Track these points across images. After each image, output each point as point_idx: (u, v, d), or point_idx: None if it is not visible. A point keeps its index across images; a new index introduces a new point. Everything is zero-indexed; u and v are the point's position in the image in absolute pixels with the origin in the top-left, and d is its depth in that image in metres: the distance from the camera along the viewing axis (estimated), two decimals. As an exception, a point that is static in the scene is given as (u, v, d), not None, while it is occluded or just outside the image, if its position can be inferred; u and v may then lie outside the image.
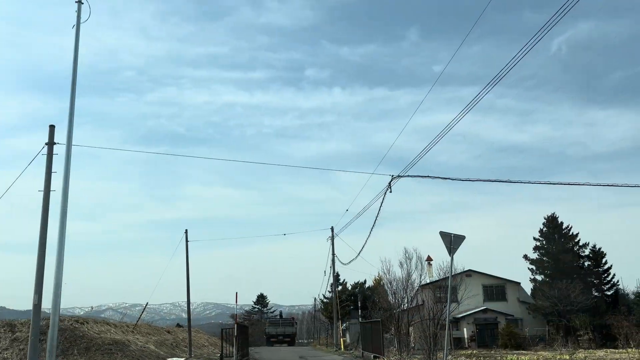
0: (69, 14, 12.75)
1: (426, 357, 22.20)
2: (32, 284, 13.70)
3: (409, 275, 25.85)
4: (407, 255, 25.76)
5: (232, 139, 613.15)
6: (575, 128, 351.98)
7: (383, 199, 20.40)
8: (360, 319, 40.56)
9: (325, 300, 62.23)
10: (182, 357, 27.31)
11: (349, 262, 37.58)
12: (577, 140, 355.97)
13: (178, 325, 51.87)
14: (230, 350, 25.37)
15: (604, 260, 43.58)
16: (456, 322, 41.92)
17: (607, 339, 38.19)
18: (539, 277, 45.00)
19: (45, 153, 14.77)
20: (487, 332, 41.81)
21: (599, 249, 43.80)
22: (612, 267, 43.51)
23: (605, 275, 43.56)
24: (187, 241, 33.08)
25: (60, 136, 14.71)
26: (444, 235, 16.18)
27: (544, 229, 45.38)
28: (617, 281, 43.41)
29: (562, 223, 45.06)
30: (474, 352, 32.38)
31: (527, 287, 46.79)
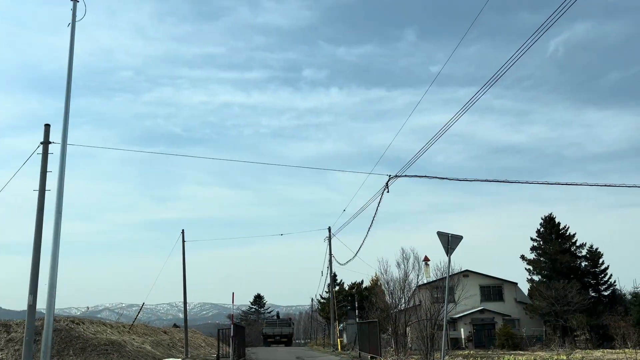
0: (66, 14, 12.68)
1: (423, 357, 22.16)
2: (28, 284, 13.60)
3: (406, 275, 25.83)
4: (404, 255, 25.74)
5: (229, 139, 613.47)
6: (571, 129, 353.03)
7: (380, 199, 20.32)
8: (357, 319, 40.54)
9: (322, 300, 62.17)
10: (178, 358, 27.21)
11: (346, 262, 37.49)
12: (574, 141, 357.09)
13: (175, 326, 51.85)
14: (227, 350, 25.29)
15: (600, 261, 43.59)
16: (453, 322, 41.90)
17: (604, 340, 38.22)
18: (536, 278, 44.99)
19: (41, 152, 14.68)
20: (484, 332, 41.81)
21: (596, 249, 43.84)
22: (609, 268, 43.55)
23: (602, 275, 43.58)
24: (183, 241, 33.03)
25: (56, 135, 14.61)
26: (442, 235, 16.13)
27: (541, 230, 45.38)
28: (614, 281, 43.45)
29: (559, 223, 45.07)
30: (471, 352, 32.33)
31: (524, 287, 46.86)
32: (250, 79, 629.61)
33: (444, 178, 18.55)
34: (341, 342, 42.61)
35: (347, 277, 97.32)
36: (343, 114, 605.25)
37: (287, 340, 57.50)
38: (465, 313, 41.67)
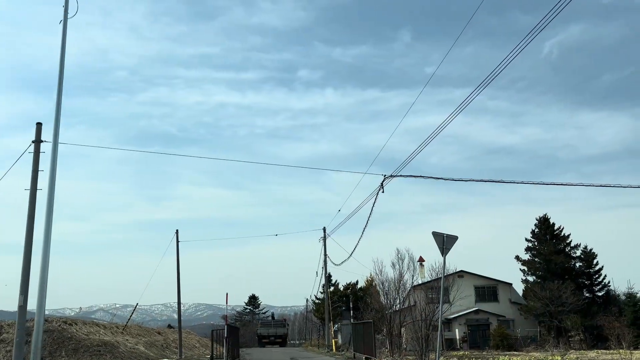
0: (61, 13, 12.51)
1: (418, 358, 22.10)
2: (19, 285, 13.44)
3: (401, 276, 25.78)
4: (399, 255, 25.70)
5: (224, 140, 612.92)
6: (565, 130, 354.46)
7: (375, 199, 20.27)
8: (352, 320, 40.43)
9: (317, 301, 62.03)
10: (172, 359, 27.07)
11: (341, 262, 37.46)
12: (567, 142, 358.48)
13: (169, 326, 51.64)
14: (221, 351, 25.16)
15: (595, 262, 43.68)
16: (448, 323, 41.88)
17: (598, 340, 38.27)
18: (530, 278, 45.02)
19: (32, 151, 14.52)
20: (479, 333, 41.82)
21: (590, 250, 43.92)
22: (604, 268, 43.65)
23: (597, 276, 43.66)
24: (177, 241, 32.87)
25: (48, 135, 14.46)
26: (437, 236, 16.05)
27: (536, 230, 45.42)
28: (608, 282, 43.55)
29: (553, 224, 45.12)
30: (466, 353, 32.33)
31: (519, 288, 46.89)
32: (246, 80, 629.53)
33: (438, 178, 18.53)
34: (336, 342, 42.53)
35: (342, 278, 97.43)
36: (338, 115, 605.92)
37: (281, 341, 57.43)
38: (460, 314, 41.66)
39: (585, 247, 44.05)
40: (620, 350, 28.37)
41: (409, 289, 26.61)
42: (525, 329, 41.59)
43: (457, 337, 41.98)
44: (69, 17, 12.29)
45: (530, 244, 45.48)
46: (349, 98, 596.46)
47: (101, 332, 25.55)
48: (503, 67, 12.85)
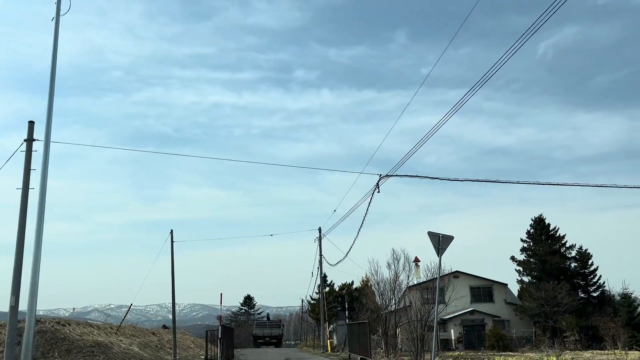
0: (54, 12, 12.41)
1: (413, 358, 22.04)
2: (10, 285, 13.29)
3: (396, 276, 25.71)
4: (394, 256, 25.63)
5: (220, 140, 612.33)
6: (560, 131, 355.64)
7: (371, 199, 20.17)
8: (347, 320, 40.37)
9: (312, 301, 61.96)
10: None
11: (337, 263, 37.32)
12: (563, 143, 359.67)
13: (164, 327, 51.36)
14: (216, 352, 25.05)
15: (590, 262, 43.74)
16: (443, 323, 41.86)
17: (593, 340, 38.33)
18: (526, 279, 45.05)
19: (25, 150, 14.39)
20: (474, 333, 41.79)
21: (585, 250, 43.98)
22: (599, 269, 43.72)
23: (592, 276, 43.72)
24: (172, 242, 32.68)
25: (41, 133, 14.33)
26: (432, 236, 15.99)
27: (531, 231, 45.46)
28: (603, 282, 43.62)
29: (549, 225, 45.16)
30: (461, 353, 32.29)
31: (514, 288, 46.90)
32: (241, 80, 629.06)
33: (434, 178, 18.46)
34: (331, 343, 42.46)
35: (337, 278, 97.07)
36: (334, 115, 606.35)
37: (276, 341, 57.32)
38: (456, 314, 41.63)
39: (581, 248, 44.14)
40: (616, 351, 28.41)
41: (404, 289, 26.55)
42: (521, 329, 41.61)
43: (453, 338, 41.96)
44: (61, 14, 12.17)
45: (525, 245, 45.53)
46: (345, 98, 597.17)
47: (95, 333, 25.35)
48: (497, 67, 12.89)
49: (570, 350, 33.57)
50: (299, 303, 75.80)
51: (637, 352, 28.48)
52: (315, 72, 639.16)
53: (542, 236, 44.70)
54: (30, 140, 14.35)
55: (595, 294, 43.59)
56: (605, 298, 42.83)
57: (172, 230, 32.87)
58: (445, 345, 40.04)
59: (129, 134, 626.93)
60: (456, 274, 38.27)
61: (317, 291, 50.12)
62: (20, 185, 14.22)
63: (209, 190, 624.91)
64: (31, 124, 14.63)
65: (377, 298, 28.09)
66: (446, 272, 26.51)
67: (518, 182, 19.01)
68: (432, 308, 21.98)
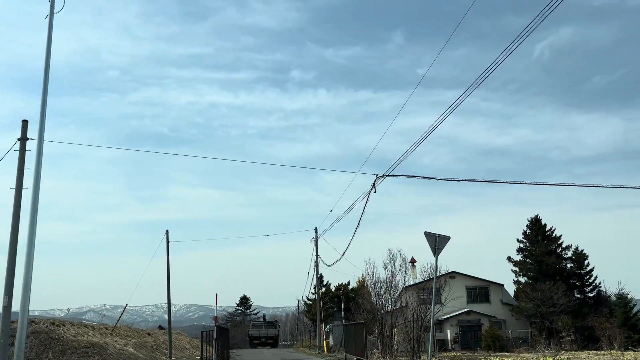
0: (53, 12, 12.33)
1: (409, 359, 22.00)
2: (2, 285, 13.17)
3: (392, 276, 25.72)
4: (391, 256, 25.65)
5: (216, 140, 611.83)
6: (557, 132, 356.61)
7: (367, 199, 20.13)
8: (343, 320, 40.28)
9: (308, 302, 61.85)
10: (161, 360, 26.78)
11: (333, 263, 37.33)
12: (559, 144, 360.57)
13: (160, 327, 51.17)
14: (212, 352, 24.95)
15: (586, 262, 43.77)
16: (439, 324, 41.83)
17: (589, 341, 38.35)
18: (522, 279, 45.04)
19: (18, 149, 14.27)
20: (470, 334, 41.77)
21: (582, 251, 44.02)
22: (594, 269, 43.75)
23: (588, 277, 43.76)
24: (167, 242, 32.60)
25: (35, 133, 14.22)
26: (429, 236, 15.93)
27: (527, 231, 45.46)
28: (599, 283, 43.65)
29: (545, 225, 45.17)
30: (458, 354, 32.27)
31: (511, 289, 46.88)
32: (238, 80, 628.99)
33: (430, 178, 18.41)
34: (327, 343, 42.37)
35: (333, 278, 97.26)
36: (331, 116, 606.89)
37: (272, 342, 57.29)
38: (452, 315, 41.61)
39: (577, 248, 44.18)
40: (612, 351, 28.42)
41: (400, 289, 26.55)
42: (517, 330, 41.60)
43: (449, 338, 41.93)
44: (55, 12, 12.09)
45: (521, 245, 45.53)
46: (342, 99, 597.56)
47: (89, 334, 25.21)
48: (493, 68, 12.87)
49: (566, 350, 33.56)
50: (295, 303, 75.69)
51: (633, 352, 28.50)
52: (312, 73, 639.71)
53: (538, 237, 44.71)
54: (23, 139, 14.23)
55: (591, 295, 43.62)
56: (601, 298, 42.87)
57: (167, 231, 32.84)
58: (441, 345, 40.01)
59: (126, 134, 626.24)
60: (452, 275, 38.24)
61: (314, 291, 50.02)
62: (14, 184, 14.12)
63: (205, 190, 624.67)
64: (25, 122, 14.51)
65: (374, 298, 28.07)
66: (442, 272, 26.56)
67: (514, 182, 18.98)
68: (429, 308, 21.95)
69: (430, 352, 16.72)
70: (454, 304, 35.02)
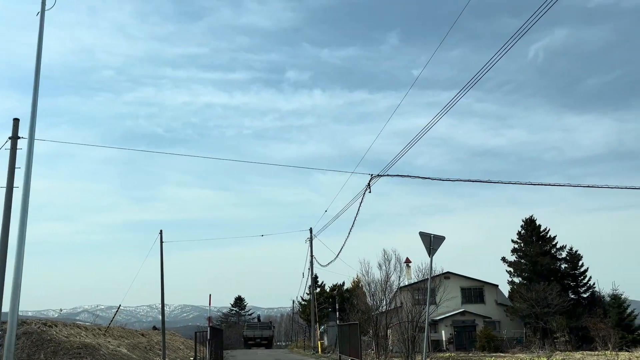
0: (50, 11, 12.18)
1: (404, 360, 21.93)
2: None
3: (387, 277, 25.65)
4: (386, 256, 25.58)
5: (211, 140, 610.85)
6: (551, 133, 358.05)
7: (362, 199, 20.05)
8: (338, 321, 40.20)
9: (303, 302, 61.75)
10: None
11: (328, 263, 37.15)
12: (553, 145, 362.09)
13: (154, 328, 50.96)
14: (206, 353, 24.81)
15: (580, 263, 43.87)
16: (434, 324, 41.79)
17: (583, 341, 38.40)
18: (516, 280, 45.09)
19: (9, 148, 14.11)
20: (465, 334, 41.75)
21: (576, 251, 44.11)
22: (589, 270, 43.86)
23: (582, 277, 43.86)
24: (161, 242, 32.38)
25: (26, 131, 14.06)
26: (424, 236, 15.88)
27: (522, 232, 45.51)
28: (593, 284, 43.77)
29: (539, 226, 45.24)
30: (452, 354, 32.24)
31: (505, 289, 46.92)
32: (233, 80, 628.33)
33: (425, 178, 18.37)
34: (322, 344, 42.29)
35: (328, 279, 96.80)
36: (326, 116, 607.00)
37: (267, 342, 57.18)
38: (446, 315, 41.59)
39: (571, 249, 44.27)
40: (606, 352, 28.44)
41: (395, 290, 26.47)
42: (511, 330, 41.62)
43: (444, 339, 41.91)
44: (46, 9, 11.95)
45: (516, 246, 45.58)
46: (337, 99, 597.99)
47: (82, 334, 25.02)
48: (488, 69, 12.88)
49: (560, 351, 33.59)
50: (290, 304, 75.57)
51: (627, 353, 28.54)
52: (307, 73, 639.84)
53: (532, 237, 44.76)
54: (14, 137, 14.09)
55: (585, 295, 43.72)
56: (596, 299, 42.96)
57: (161, 231, 32.62)
58: (436, 346, 39.98)
59: (120, 134, 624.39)
60: (447, 275, 38.23)
61: (308, 292, 49.95)
62: (4, 183, 13.97)
63: (200, 190, 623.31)
64: (16, 121, 14.37)
65: (368, 299, 27.99)
66: (437, 272, 26.47)
67: (509, 183, 18.97)
68: (423, 309, 21.89)
69: (425, 352, 16.66)
70: (449, 304, 35.02)
